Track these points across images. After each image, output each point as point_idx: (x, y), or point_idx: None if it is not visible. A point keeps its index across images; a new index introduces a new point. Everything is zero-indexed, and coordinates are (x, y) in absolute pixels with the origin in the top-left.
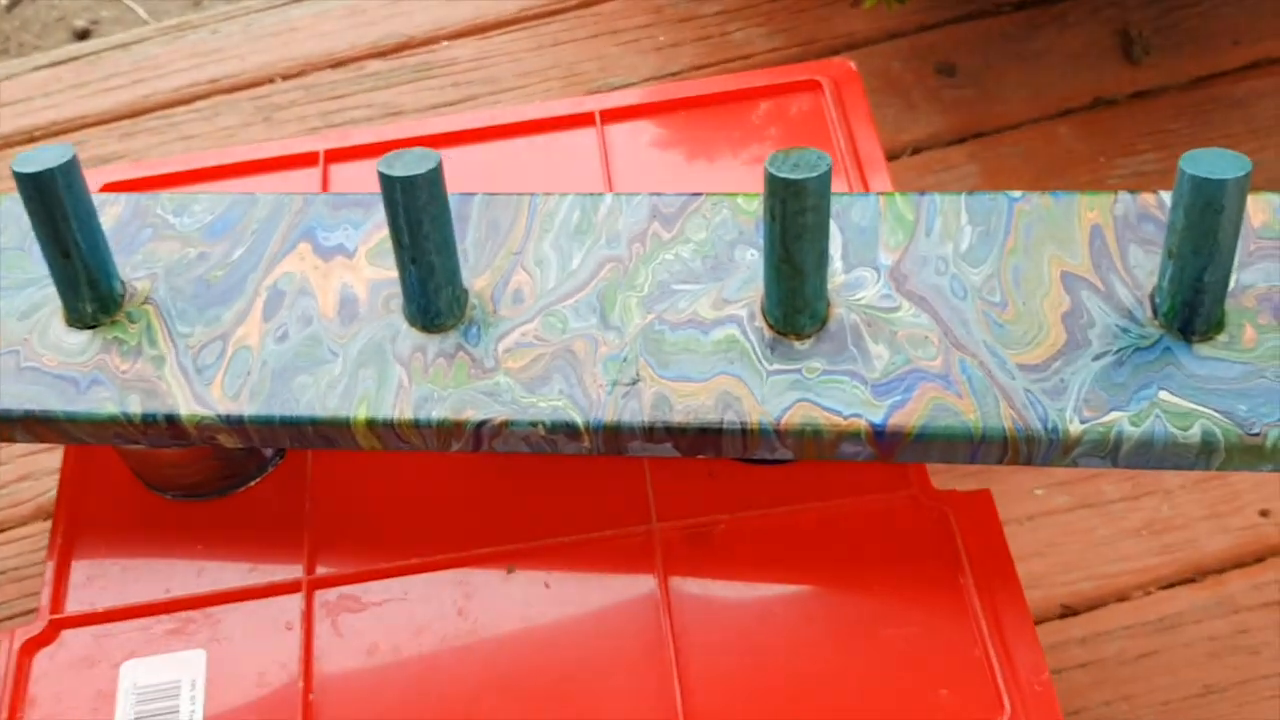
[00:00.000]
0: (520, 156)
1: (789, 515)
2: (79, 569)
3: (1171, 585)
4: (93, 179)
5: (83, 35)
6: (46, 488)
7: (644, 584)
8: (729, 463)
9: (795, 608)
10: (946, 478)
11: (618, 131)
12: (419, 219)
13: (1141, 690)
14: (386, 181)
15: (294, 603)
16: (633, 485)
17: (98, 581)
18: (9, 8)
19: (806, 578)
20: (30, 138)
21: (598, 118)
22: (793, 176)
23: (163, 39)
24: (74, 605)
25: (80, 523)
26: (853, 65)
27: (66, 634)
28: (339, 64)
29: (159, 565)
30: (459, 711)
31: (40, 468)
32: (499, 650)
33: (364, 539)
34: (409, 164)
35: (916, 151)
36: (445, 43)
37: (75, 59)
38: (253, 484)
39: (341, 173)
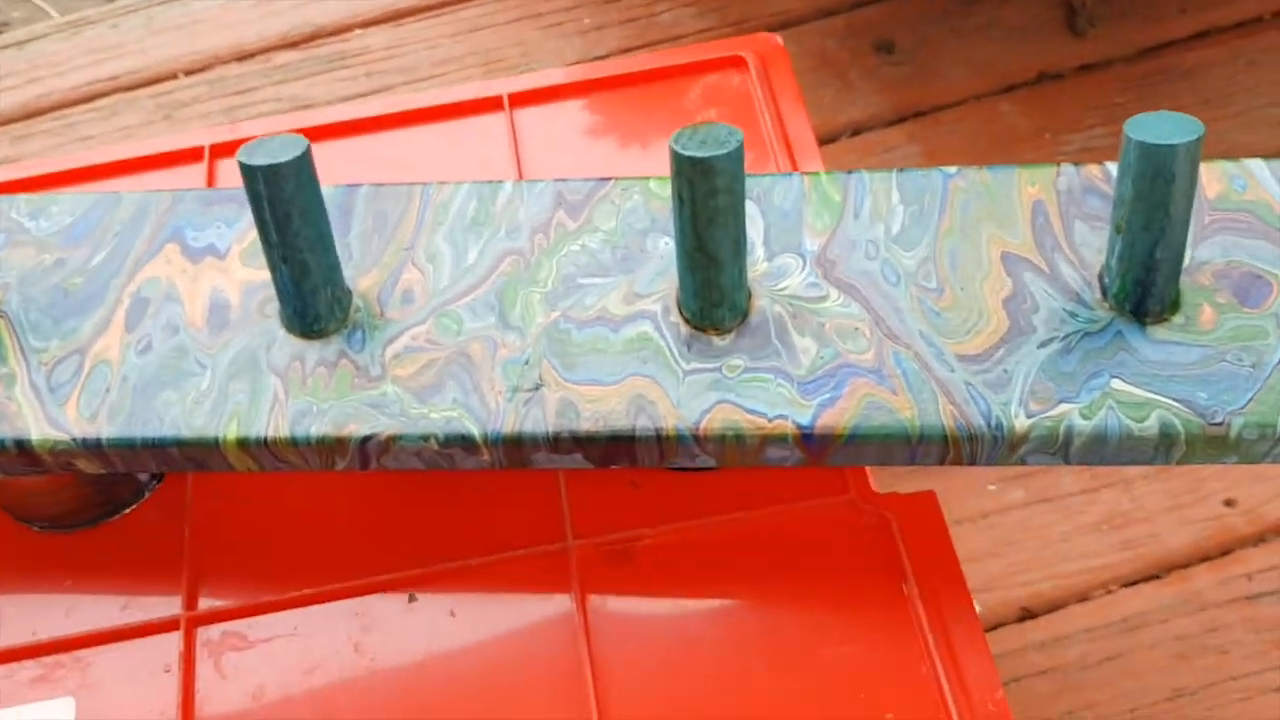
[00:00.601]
0: (423, 146)
1: (718, 526)
2: None
3: (1134, 583)
4: None
5: None
6: None
7: (560, 608)
8: (653, 471)
9: (726, 628)
10: (889, 476)
11: (528, 116)
12: (286, 213)
13: (1106, 697)
14: (247, 172)
15: (172, 642)
16: (546, 499)
17: None
18: None
19: (738, 594)
20: None
21: (506, 101)
22: (700, 154)
23: (60, 35)
24: None
25: None
26: (779, 39)
27: None
28: (245, 57)
29: (24, 604)
30: None
31: None
32: (401, 688)
33: (249, 569)
34: (272, 151)
35: (855, 133)
36: (358, 31)
37: None
38: (127, 511)
39: (229, 169)
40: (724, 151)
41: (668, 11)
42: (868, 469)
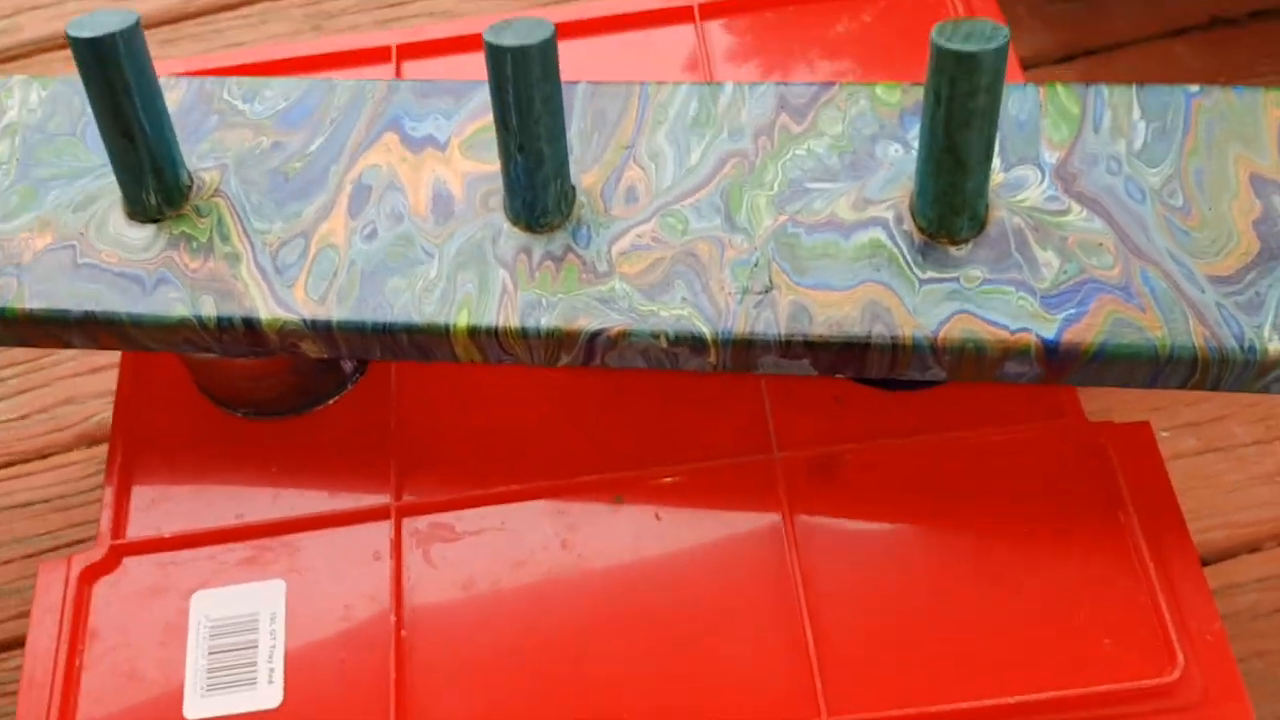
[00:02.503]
0: (612, 54)
1: (926, 445)
2: (141, 493)
3: None
4: None
5: None
6: (92, 412)
7: (766, 517)
8: (855, 387)
9: (936, 548)
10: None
11: (715, 27)
12: (530, 97)
13: (1277, 646)
14: (494, 52)
15: (381, 531)
16: (750, 409)
17: (162, 505)
18: None
19: (947, 515)
20: (62, 44)
21: (696, 13)
22: (965, 49)
23: None
24: (137, 530)
25: (141, 443)
26: None
27: (129, 561)
28: None
29: (230, 489)
30: (565, 651)
31: (84, 391)
32: (607, 587)
33: (455, 463)
34: (520, 33)
35: (1025, 69)
36: None
37: None
38: (331, 402)
39: (416, 70)
40: (991, 47)
41: None
42: (1079, 395)
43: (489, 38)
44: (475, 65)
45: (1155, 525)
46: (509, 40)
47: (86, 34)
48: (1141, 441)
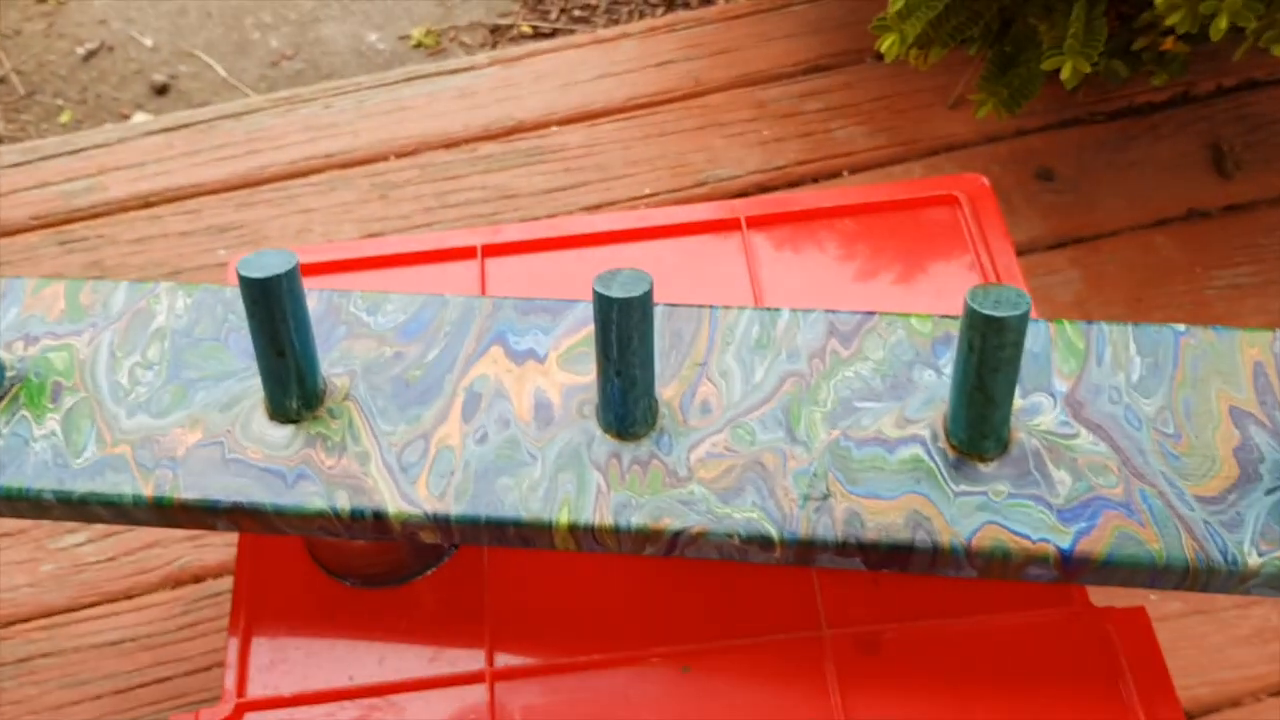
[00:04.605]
0: (666, 258)
1: (955, 626)
2: (260, 650)
3: None
4: None
5: (162, 90)
6: (176, 555)
7: (818, 687)
8: (892, 573)
9: (965, 713)
10: None
11: (759, 236)
12: (630, 336)
13: None
14: (603, 301)
15: (477, 693)
16: (801, 590)
17: (280, 665)
18: (86, 59)
19: (975, 685)
20: (146, 203)
21: (743, 223)
22: (995, 313)
23: (275, 111)
24: (257, 689)
25: (259, 608)
26: (986, 181)
27: (251, 716)
28: (452, 145)
29: (340, 651)
30: None
31: (169, 536)
32: None
33: (542, 633)
34: (625, 285)
35: (1019, 254)
36: (555, 128)
37: (187, 126)
38: (427, 574)
39: (497, 266)
40: (1017, 313)
41: (841, 129)
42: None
43: (598, 289)
44: (545, 262)
45: (1149, 695)
46: (616, 292)
47: (257, 275)
48: (1138, 625)
